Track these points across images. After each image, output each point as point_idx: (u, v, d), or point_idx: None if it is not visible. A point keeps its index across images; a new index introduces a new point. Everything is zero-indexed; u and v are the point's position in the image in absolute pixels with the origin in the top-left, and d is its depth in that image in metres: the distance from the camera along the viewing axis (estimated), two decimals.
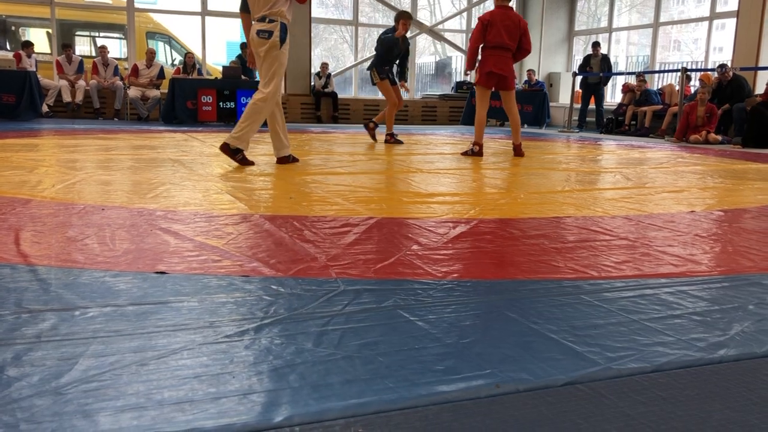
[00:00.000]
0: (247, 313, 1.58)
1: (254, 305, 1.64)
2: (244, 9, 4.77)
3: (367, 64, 14.74)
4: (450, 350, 1.38)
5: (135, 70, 11.09)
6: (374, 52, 7.76)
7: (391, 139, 7.62)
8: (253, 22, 4.65)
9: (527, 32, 6.16)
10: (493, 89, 6.33)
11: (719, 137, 9.06)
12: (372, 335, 1.45)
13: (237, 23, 20.83)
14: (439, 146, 7.48)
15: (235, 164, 4.65)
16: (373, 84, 7.72)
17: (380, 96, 14.69)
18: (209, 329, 1.47)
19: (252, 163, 4.74)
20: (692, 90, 10.59)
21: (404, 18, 7.19)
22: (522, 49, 6.15)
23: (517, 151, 6.34)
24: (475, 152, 6.17)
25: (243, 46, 12.18)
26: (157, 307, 1.60)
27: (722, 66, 9.62)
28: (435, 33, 14.42)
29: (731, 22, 10.48)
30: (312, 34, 12.91)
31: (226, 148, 4.63)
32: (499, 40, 6.02)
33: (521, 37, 6.09)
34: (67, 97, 10.80)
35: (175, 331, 1.44)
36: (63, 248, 2.17)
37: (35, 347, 1.33)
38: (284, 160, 4.91)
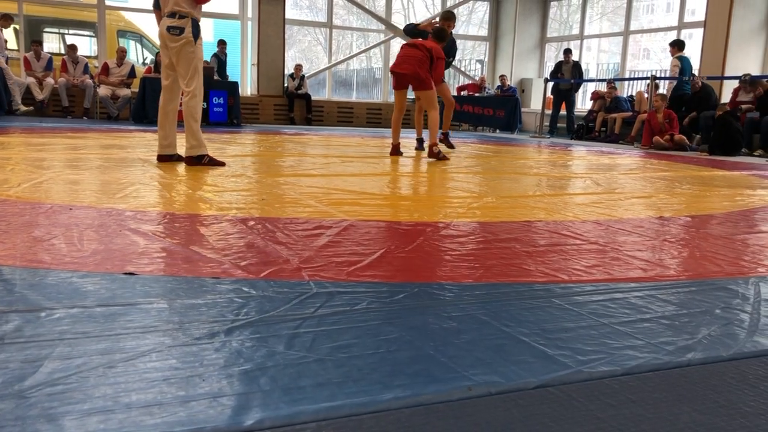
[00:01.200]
0: (217, 316, 1.56)
1: (225, 307, 1.62)
2: (156, 6, 4.73)
3: (341, 66, 14.79)
4: (422, 353, 1.38)
5: (105, 69, 10.94)
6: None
7: (445, 140, 7.52)
8: (163, 18, 4.63)
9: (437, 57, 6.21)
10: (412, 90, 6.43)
11: (685, 138, 9.30)
12: (344, 338, 1.45)
13: (210, 23, 20.68)
14: (411, 149, 7.49)
15: (208, 166, 4.61)
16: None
17: (353, 98, 14.72)
18: (179, 331, 1.44)
19: (222, 164, 4.73)
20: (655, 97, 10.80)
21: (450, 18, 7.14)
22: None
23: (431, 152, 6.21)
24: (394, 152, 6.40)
25: (220, 42, 12.08)
26: (125, 308, 1.58)
27: (693, 75, 9.81)
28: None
29: (699, 32, 10.70)
30: (286, 36, 12.86)
31: (190, 161, 4.64)
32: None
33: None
34: (38, 95, 10.60)
35: (144, 333, 1.42)
36: (29, 248, 2.13)
37: None
38: (166, 159, 4.83)
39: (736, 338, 1.55)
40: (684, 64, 10.02)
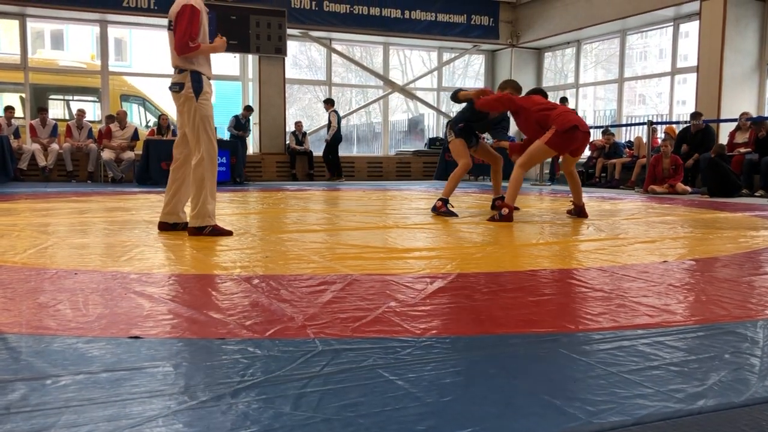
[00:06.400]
0: (223, 377, 1.55)
1: (231, 368, 1.61)
2: None
3: (342, 122, 14.99)
4: (431, 409, 1.37)
5: (108, 132, 11.10)
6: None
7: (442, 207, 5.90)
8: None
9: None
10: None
11: (688, 188, 9.27)
12: (351, 396, 1.43)
13: (212, 84, 21.11)
14: (414, 201, 7.54)
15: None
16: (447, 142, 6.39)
17: (354, 153, 14.89)
18: (185, 395, 1.44)
19: (230, 233, 4.19)
20: (658, 141, 10.89)
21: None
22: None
23: (582, 212, 5.73)
24: (504, 216, 5.28)
25: (246, 108, 12.36)
26: (131, 373, 1.57)
27: (695, 114, 9.85)
28: (407, 92, 14.72)
29: (693, 77, 10.87)
30: (286, 94, 13.10)
31: (193, 232, 4.12)
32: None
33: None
34: (41, 161, 10.76)
35: (150, 398, 1.41)
36: (34, 315, 2.13)
37: (4, 420, 1.29)
38: (168, 228, 4.32)
39: (747, 383, 1.53)
40: None
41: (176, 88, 4.17)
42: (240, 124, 12.13)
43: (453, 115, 15.40)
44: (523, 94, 5.96)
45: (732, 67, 10.10)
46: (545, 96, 5.87)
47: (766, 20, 10.26)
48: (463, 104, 6.06)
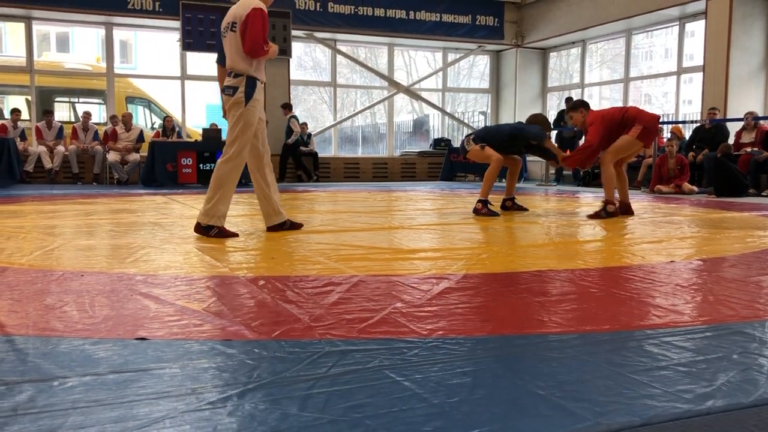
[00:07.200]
0: (230, 379, 1.55)
1: (237, 370, 1.61)
2: (220, 61, 4.37)
3: (347, 123, 15.02)
4: (437, 410, 1.36)
5: (113, 135, 11.13)
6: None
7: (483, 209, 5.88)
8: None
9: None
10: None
11: (695, 188, 9.23)
12: (358, 397, 1.43)
13: (216, 87, 21.13)
14: (419, 202, 7.53)
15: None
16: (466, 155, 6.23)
17: (359, 154, 14.89)
18: (192, 396, 1.44)
19: (235, 234, 4.22)
20: (664, 141, 10.85)
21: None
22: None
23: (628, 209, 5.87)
24: (610, 213, 5.57)
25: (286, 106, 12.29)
26: (138, 374, 1.57)
27: (713, 109, 9.81)
28: (412, 92, 14.71)
29: (698, 76, 10.83)
30: (291, 96, 13.11)
31: (198, 228, 4.18)
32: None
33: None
34: (47, 164, 10.80)
35: (157, 399, 1.41)
36: (41, 316, 2.14)
37: (11, 421, 1.29)
38: (276, 228, 4.43)
39: (756, 384, 1.52)
40: None
41: (230, 91, 4.21)
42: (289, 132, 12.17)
43: (459, 115, 15.49)
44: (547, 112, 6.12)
45: (738, 66, 10.06)
46: (587, 106, 5.98)
47: None
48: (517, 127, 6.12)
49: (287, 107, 12.46)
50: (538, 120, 6.13)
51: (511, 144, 6.02)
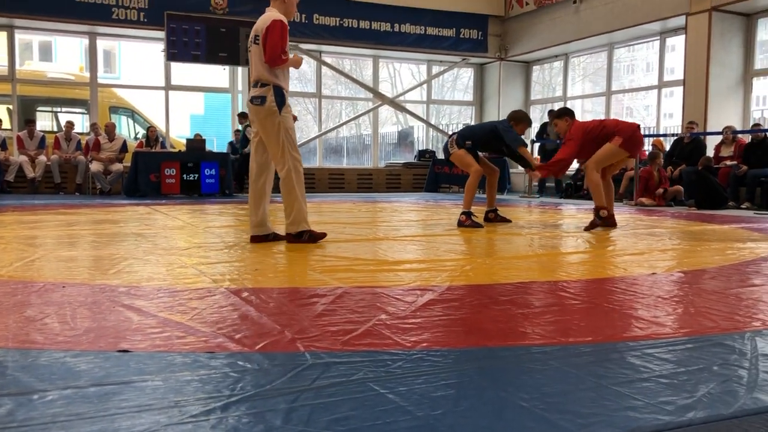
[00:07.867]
0: (213, 391, 1.54)
1: (220, 382, 1.60)
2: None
3: (332, 134, 15.04)
4: (422, 423, 1.36)
5: (96, 145, 11.05)
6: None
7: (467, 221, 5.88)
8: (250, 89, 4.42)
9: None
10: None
11: (681, 188, 9.40)
12: (342, 410, 1.43)
13: (200, 97, 21.05)
14: (404, 213, 7.55)
15: (198, 238, 4.61)
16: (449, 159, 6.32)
17: (344, 165, 14.90)
18: (174, 409, 1.42)
19: (324, 235, 4.52)
20: (646, 154, 10.97)
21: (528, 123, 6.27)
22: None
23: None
24: (603, 218, 5.67)
25: (241, 115, 12.12)
26: (119, 387, 1.56)
27: (691, 122, 9.95)
28: (396, 104, 14.77)
29: (679, 90, 10.98)
30: None
31: (291, 239, 4.38)
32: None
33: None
34: (29, 173, 10.70)
35: (139, 412, 1.40)
36: (21, 329, 2.11)
37: None
38: (260, 239, 4.48)
39: (736, 395, 1.54)
40: None
41: (258, 101, 4.31)
42: (235, 148, 12.10)
43: (443, 127, 15.55)
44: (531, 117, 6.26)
45: (717, 81, 10.22)
46: (572, 115, 6.07)
47: (750, 35, 10.39)
48: (486, 126, 6.39)
49: (244, 116, 11.88)
50: (519, 116, 6.25)
51: (494, 139, 6.13)
